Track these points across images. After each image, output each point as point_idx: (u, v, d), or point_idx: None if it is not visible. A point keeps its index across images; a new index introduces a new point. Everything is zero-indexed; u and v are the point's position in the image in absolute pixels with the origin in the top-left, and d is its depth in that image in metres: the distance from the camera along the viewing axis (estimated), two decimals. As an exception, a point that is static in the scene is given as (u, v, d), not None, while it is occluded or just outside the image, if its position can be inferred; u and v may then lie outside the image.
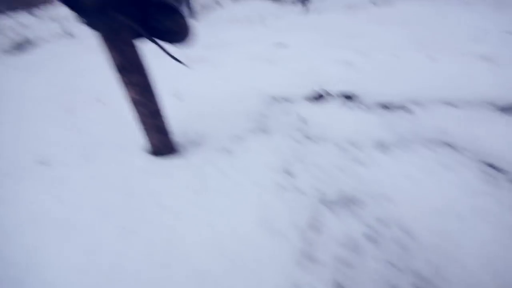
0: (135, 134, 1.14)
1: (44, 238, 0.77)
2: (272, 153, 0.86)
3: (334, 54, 1.96)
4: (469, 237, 0.52)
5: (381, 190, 0.64)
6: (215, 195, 0.77)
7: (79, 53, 2.44)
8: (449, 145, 0.73)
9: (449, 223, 0.55)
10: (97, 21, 0.63)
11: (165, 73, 1.96)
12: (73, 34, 2.91)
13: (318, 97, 1.13)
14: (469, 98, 0.96)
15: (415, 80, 1.33)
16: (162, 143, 1.02)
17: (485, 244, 0.51)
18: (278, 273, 0.55)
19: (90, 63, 2.13)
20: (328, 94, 1.15)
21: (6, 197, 1.02)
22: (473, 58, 1.67)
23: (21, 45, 2.47)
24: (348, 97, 1.09)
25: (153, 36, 0.81)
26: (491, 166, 0.65)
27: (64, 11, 3.86)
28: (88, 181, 1.01)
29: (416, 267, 0.50)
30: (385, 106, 0.97)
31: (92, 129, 1.37)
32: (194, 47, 2.45)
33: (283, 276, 0.55)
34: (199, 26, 3.70)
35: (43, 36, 2.82)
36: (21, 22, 3.23)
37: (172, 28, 0.84)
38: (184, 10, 3.83)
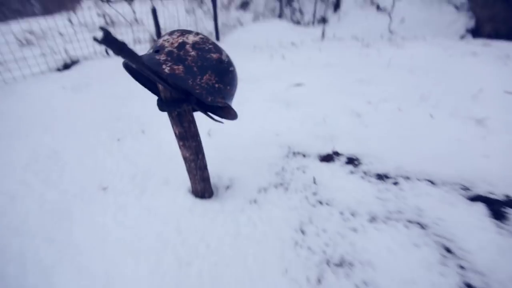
0: (176, 172, 1.43)
1: (111, 254, 1.06)
2: (290, 211, 1.14)
3: (345, 101, 2.22)
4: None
5: (368, 257, 0.92)
6: (248, 242, 1.05)
7: (117, 76, 2.73)
8: (421, 225, 1.00)
9: (410, 290, 0.83)
10: (171, 109, 0.93)
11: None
12: (110, 54, 3.22)
13: (329, 158, 1.41)
14: (449, 176, 1.23)
15: (412, 146, 1.58)
16: (203, 188, 1.31)
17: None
18: (293, 311, 0.84)
19: (129, 89, 2.43)
20: (337, 154, 1.43)
21: (74, 216, 1.30)
22: (468, 121, 1.88)
23: (66, 63, 2.77)
24: (353, 162, 1.37)
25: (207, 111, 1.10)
26: (447, 249, 0.92)
27: (94, 19, 4.17)
28: (144, 211, 1.30)
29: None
30: (381, 177, 1.25)
31: (139, 160, 1.65)
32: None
33: (296, 314, 0.83)
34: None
35: (81, 52, 3.13)
36: (57, 29, 3.51)
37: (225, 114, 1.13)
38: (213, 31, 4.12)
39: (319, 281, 0.88)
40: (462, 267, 0.87)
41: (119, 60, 3.21)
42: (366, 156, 1.40)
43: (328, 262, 0.93)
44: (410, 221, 1.02)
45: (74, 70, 2.80)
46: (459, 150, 1.57)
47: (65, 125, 1.94)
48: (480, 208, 1.05)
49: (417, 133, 1.78)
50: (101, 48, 3.19)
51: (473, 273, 0.85)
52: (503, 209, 1.04)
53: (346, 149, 1.53)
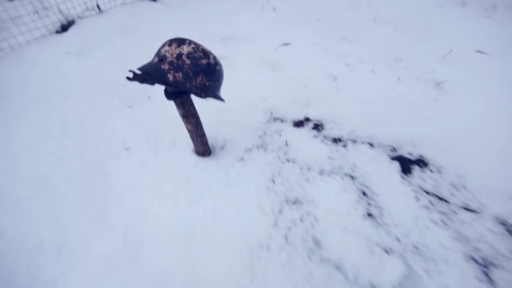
0: (181, 135, 1.84)
1: (141, 197, 1.55)
2: (266, 166, 1.59)
3: (326, 63, 2.47)
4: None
5: (313, 198, 1.40)
6: (237, 188, 1.53)
7: (114, 37, 2.90)
8: (352, 177, 1.47)
9: (339, 218, 1.33)
10: (175, 99, 1.30)
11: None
12: (101, 10, 3.28)
13: (300, 124, 1.80)
14: (386, 139, 1.64)
15: (370, 111, 1.95)
16: (204, 150, 1.74)
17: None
18: (264, 229, 1.35)
19: (127, 55, 2.65)
20: (308, 120, 1.82)
21: (108, 171, 1.77)
22: (428, 84, 2.16)
23: (63, 24, 2.92)
24: (317, 127, 1.77)
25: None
26: (364, 193, 1.40)
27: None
28: (161, 166, 1.75)
29: (312, 233, 1.29)
30: (336, 141, 1.66)
31: (149, 124, 2.04)
32: (214, 42, 2.92)
33: (265, 231, 1.34)
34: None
35: (75, 11, 3.20)
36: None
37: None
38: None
39: (280, 212, 1.39)
40: (369, 204, 1.36)
41: (112, 19, 3.27)
42: (329, 122, 1.79)
43: (287, 201, 1.42)
44: (345, 174, 1.48)
45: (72, 32, 2.95)
46: (409, 113, 1.94)
47: (80, 94, 2.27)
48: (395, 166, 1.50)
49: (381, 97, 2.10)
50: (93, 4, 3.25)
51: (374, 208, 1.34)
52: (411, 166, 1.48)
53: (317, 115, 1.91)
